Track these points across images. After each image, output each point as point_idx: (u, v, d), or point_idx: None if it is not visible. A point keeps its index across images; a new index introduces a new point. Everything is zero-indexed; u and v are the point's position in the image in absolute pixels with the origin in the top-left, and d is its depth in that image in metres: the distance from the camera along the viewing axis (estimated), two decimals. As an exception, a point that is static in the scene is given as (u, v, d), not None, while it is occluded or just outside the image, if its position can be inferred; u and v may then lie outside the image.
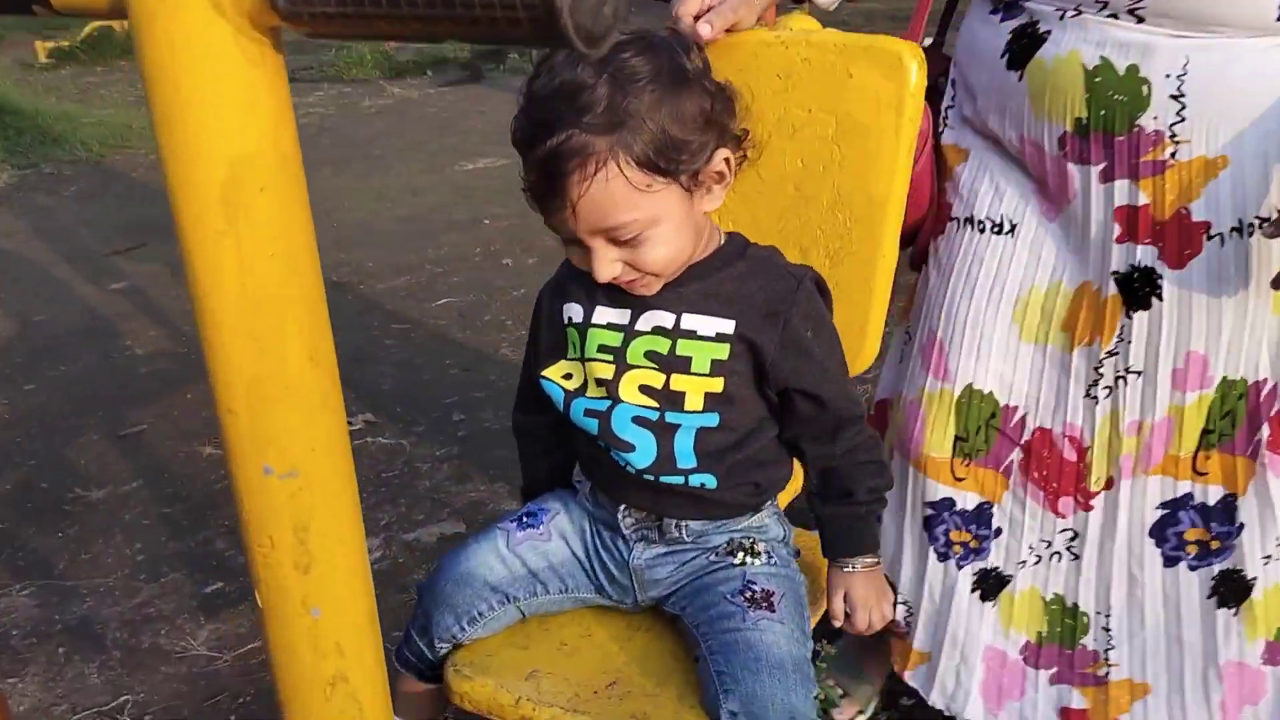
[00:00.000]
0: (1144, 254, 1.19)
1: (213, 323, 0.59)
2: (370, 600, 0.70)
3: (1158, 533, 1.30)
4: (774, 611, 1.09)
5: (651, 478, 1.13)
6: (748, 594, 1.11)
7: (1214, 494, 1.27)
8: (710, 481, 1.14)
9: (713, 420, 1.12)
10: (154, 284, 3.86)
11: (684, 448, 1.13)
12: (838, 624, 1.23)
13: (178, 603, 2.11)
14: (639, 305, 1.12)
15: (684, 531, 1.18)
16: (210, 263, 0.58)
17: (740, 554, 1.17)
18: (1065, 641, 1.39)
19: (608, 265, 1.05)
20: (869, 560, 1.21)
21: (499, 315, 3.44)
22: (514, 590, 1.18)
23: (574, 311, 1.16)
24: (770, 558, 1.17)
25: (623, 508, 1.19)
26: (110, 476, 2.58)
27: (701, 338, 1.10)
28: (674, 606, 1.18)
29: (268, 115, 0.56)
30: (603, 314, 1.14)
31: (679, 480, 1.14)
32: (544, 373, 1.19)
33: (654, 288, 1.10)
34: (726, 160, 1.08)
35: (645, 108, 0.99)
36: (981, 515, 1.37)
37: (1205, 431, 1.25)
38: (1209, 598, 1.30)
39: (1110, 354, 1.24)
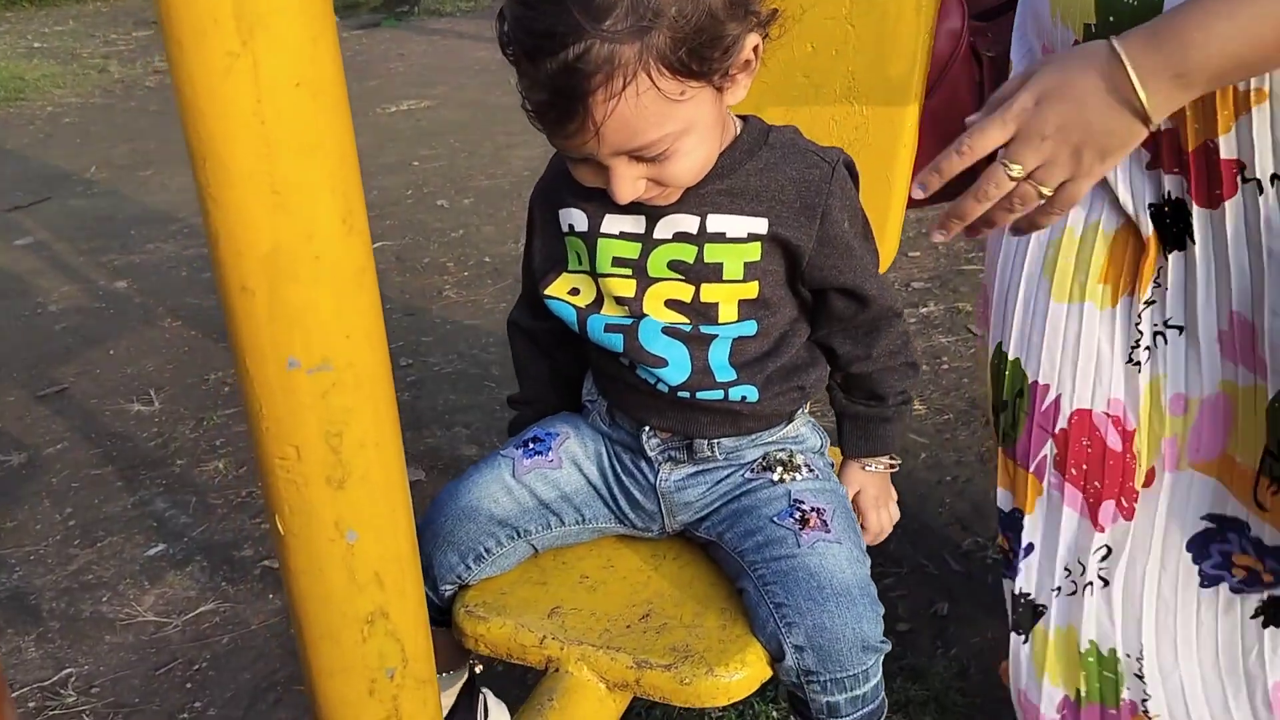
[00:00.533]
0: (1171, 184, 0.99)
1: (221, 175, 0.47)
2: (411, 523, 0.58)
3: (1199, 546, 1.11)
4: (829, 531, 1.00)
5: (687, 394, 1.03)
6: (797, 514, 1.01)
7: (1275, 536, 1.05)
8: (752, 394, 1.04)
9: (750, 329, 1.02)
10: (62, 238, 3.61)
11: (720, 359, 1.02)
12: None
13: (118, 568, 1.96)
14: (656, 210, 1.00)
15: (716, 449, 1.08)
16: (217, 94, 0.45)
17: (779, 469, 1.07)
18: (1108, 699, 1.19)
19: (630, 185, 0.92)
20: (889, 461, 1.14)
21: (438, 257, 3.28)
22: (524, 524, 1.07)
23: (575, 219, 1.04)
24: (811, 470, 1.08)
25: (646, 429, 1.08)
26: (32, 440, 2.38)
27: (732, 240, 0.99)
28: (709, 532, 1.07)
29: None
30: (613, 222, 1.02)
31: (718, 395, 1.03)
32: (546, 291, 1.07)
33: (674, 198, 0.98)
34: (755, 47, 0.95)
35: (671, 5, 0.85)
36: (1013, 523, 1.18)
37: (1269, 454, 1.02)
38: (1253, 617, 1.11)
39: (1148, 303, 1.03)
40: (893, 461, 1.16)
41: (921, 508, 1.99)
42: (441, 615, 1.05)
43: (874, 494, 1.15)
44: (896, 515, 1.18)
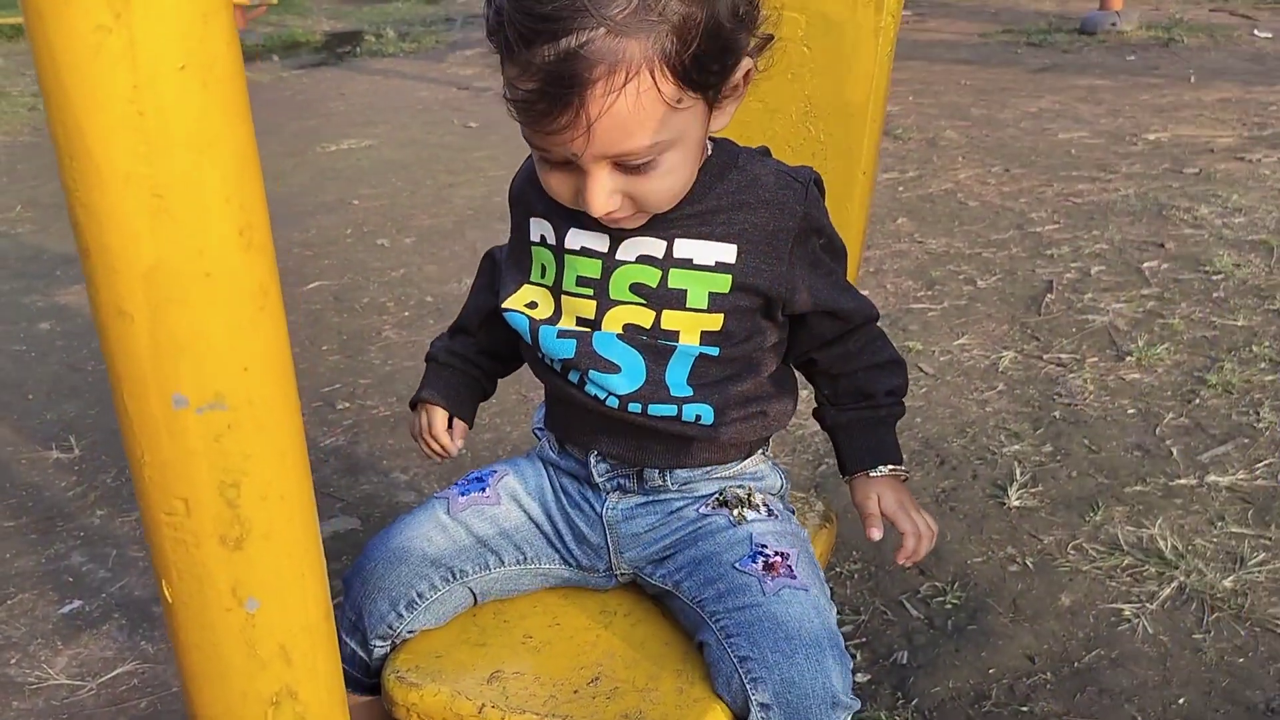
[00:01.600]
0: None
1: (91, 176, 0.39)
2: (324, 587, 0.50)
3: None
4: (795, 578, 0.93)
5: (638, 407, 0.96)
6: (761, 560, 0.93)
7: None
8: (707, 414, 0.97)
9: (713, 351, 0.96)
10: (-19, 277, 3.45)
11: (678, 376, 0.96)
12: (878, 535, 1.06)
13: (29, 627, 1.82)
14: (618, 229, 0.94)
15: (668, 479, 1.01)
16: (85, 77, 0.37)
17: (738, 508, 0.99)
18: None
19: (605, 196, 0.86)
20: (895, 468, 1.07)
21: (378, 297, 3.19)
22: (460, 564, 0.98)
23: (545, 229, 0.98)
24: (771, 512, 1.01)
25: (594, 453, 1.01)
26: (-62, 490, 2.24)
27: (699, 267, 0.93)
28: (665, 581, 0.99)
29: None
30: (576, 237, 0.95)
31: (670, 410, 0.96)
32: (505, 304, 1.00)
33: (640, 222, 0.92)
34: (747, 72, 0.91)
35: (683, 5, 0.80)
36: None
37: None
38: None
39: None
40: (897, 470, 1.07)
41: (878, 552, 1.93)
42: (372, 679, 0.96)
43: (894, 498, 1.06)
44: (932, 522, 1.08)
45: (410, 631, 0.97)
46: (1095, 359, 2.58)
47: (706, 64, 0.84)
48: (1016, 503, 2.03)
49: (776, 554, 0.94)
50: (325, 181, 4.35)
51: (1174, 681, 1.60)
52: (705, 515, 1.00)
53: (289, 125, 5.37)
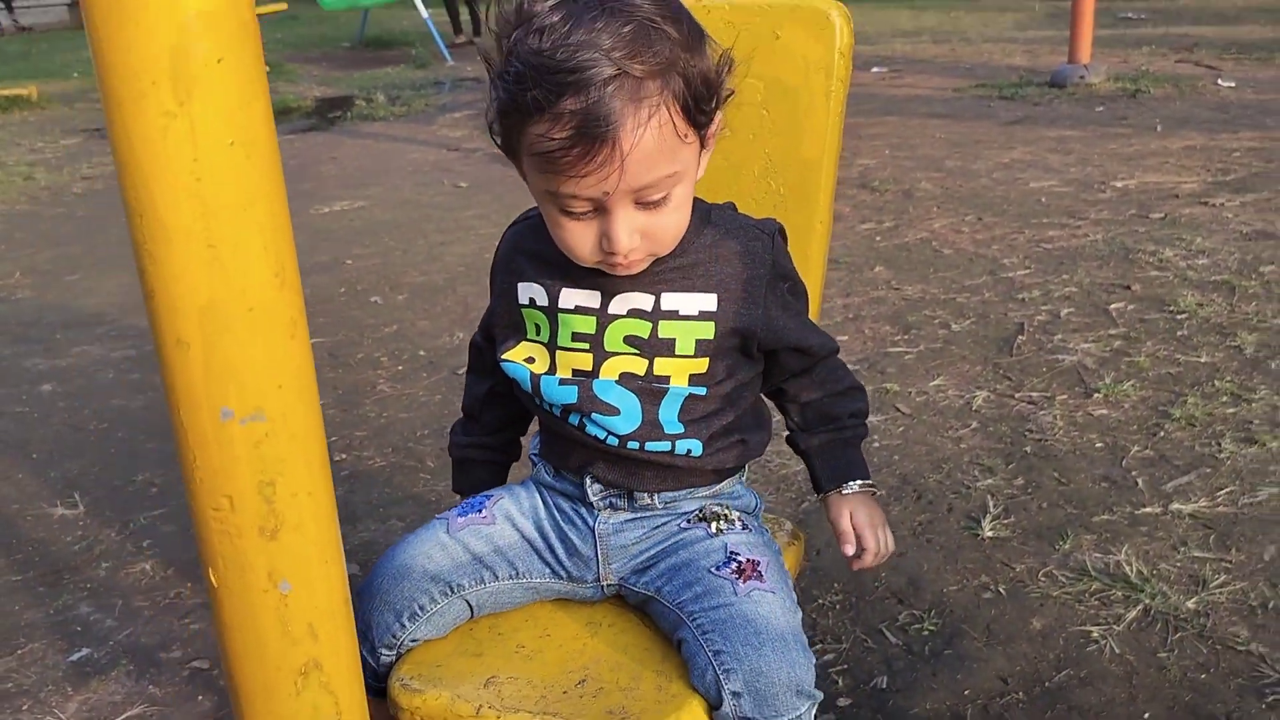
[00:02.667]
0: None
1: (158, 231, 0.49)
2: (344, 573, 0.59)
3: None
4: (764, 581, 1.02)
5: (636, 445, 1.06)
6: (734, 565, 1.03)
7: None
8: (696, 448, 1.08)
9: (700, 390, 1.07)
10: (-16, 342, 3.54)
11: (670, 415, 1.06)
12: (850, 550, 1.16)
13: (39, 674, 1.89)
14: (610, 286, 1.04)
15: (656, 499, 1.11)
16: (155, 153, 0.47)
17: (716, 522, 1.09)
18: None
19: (628, 233, 0.95)
20: (865, 484, 1.17)
21: (372, 352, 3.28)
22: (457, 579, 1.08)
23: (535, 292, 1.08)
24: (746, 526, 1.10)
25: (589, 477, 1.11)
26: (-52, 546, 2.31)
27: (684, 317, 1.04)
28: (648, 587, 1.09)
29: (225, -31, 0.47)
30: (570, 296, 1.06)
31: (665, 447, 1.07)
32: (504, 356, 1.10)
33: (643, 266, 1.02)
34: (719, 123, 1.02)
35: (682, 53, 0.91)
36: None
37: None
38: None
39: None
40: (866, 485, 1.17)
41: (857, 583, 2.01)
42: (380, 684, 1.04)
43: (865, 515, 1.16)
44: (893, 541, 1.19)
45: (413, 640, 1.05)
46: (1065, 396, 2.68)
47: (703, 104, 0.95)
48: (990, 533, 2.11)
49: (748, 560, 1.03)
50: (319, 242, 4.47)
51: (1140, 698, 1.68)
52: (686, 529, 1.10)
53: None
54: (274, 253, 0.51)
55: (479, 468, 1.23)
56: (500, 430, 1.24)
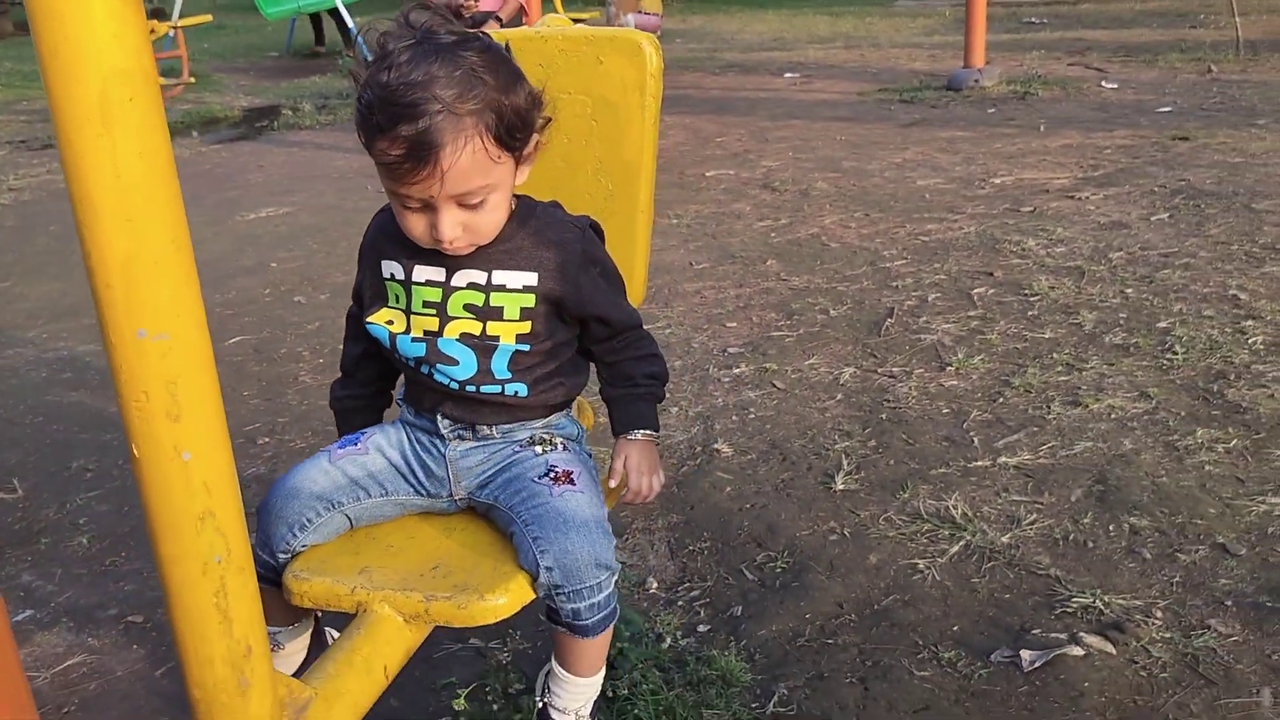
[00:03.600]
0: None
1: (92, 212, 0.74)
2: (229, 448, 0.85)
3: None
4: (574, 485, 1.29)
5: (473, 389, 1.32)
6: (551, 474, 1.30)
7: None
8: (522, 390, 1.35)
9: (525, 347, 1.34)
10: (-81, 347, 3.69)
11: (500, 365, 1.33)
12: (614, 483, 1.42)
13: (-14, 633, 2.09)
14: (453, 264, 1.31)
15: (494, 430, 1.37)
16: (90, 161, 0.73)
17: (541, 446, 1.36)
18: None
19: (451, 226, 1.23)
20: (648, 433, 1.44)
21: (295, 347, 3.50)
22: (337, 497, 1.33)
23: (395, 269, 1.34)
24: (566, 448, 1.38)
25: (440, 415, 1.37)
26: (-106, 529, 2.49)
27: (510, 290, 1.31)
28: (488, 497, 1.35)
29: (134, 39, 0.72)
30: (421, 272, 1.32)
31: (495, 389, 1.34)
32: (368, 319, 1.36)
33: (470, 249, 1.29)
34: (537, 142, 1.30)
35: (496, 95, 1.19)
36: None
37: None
38: None
39: None
40: (649, 434, 1.45)
41: (724, 530, 2.29)
42: (278, 579, 1.30)
43: (637, 460, 1.43)
44: (660, 482, 1.46)
45: (304, 546, 1.30)
46: (921, 370, 2.99)
47: (514, 132, 1.24)
48: (841, 487, 2.41)
49: (563, 471, 1.31)
50: (245, 247, 4.66)
51: (952, 614, 1.98)
52: (518, 452, 1.38)
53: (210, 197, 5.67)
54: (170, 225, 0.76)
55: (356, 415, 1.48)
56: (371, 383, 1.50)
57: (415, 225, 1.25)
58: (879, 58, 9.33)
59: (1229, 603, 1.94)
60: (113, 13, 0.70)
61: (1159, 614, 1.92)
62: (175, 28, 8.55)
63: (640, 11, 10.35)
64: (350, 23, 11.30)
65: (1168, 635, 1.87)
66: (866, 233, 4.31)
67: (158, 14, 8.49)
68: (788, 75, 8.69)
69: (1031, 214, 4.39)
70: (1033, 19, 11.20)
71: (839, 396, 2.88)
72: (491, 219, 1.26)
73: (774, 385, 2.97)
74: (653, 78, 1.43)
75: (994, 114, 6.51)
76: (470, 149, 1.18)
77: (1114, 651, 1.84)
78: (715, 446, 2.65)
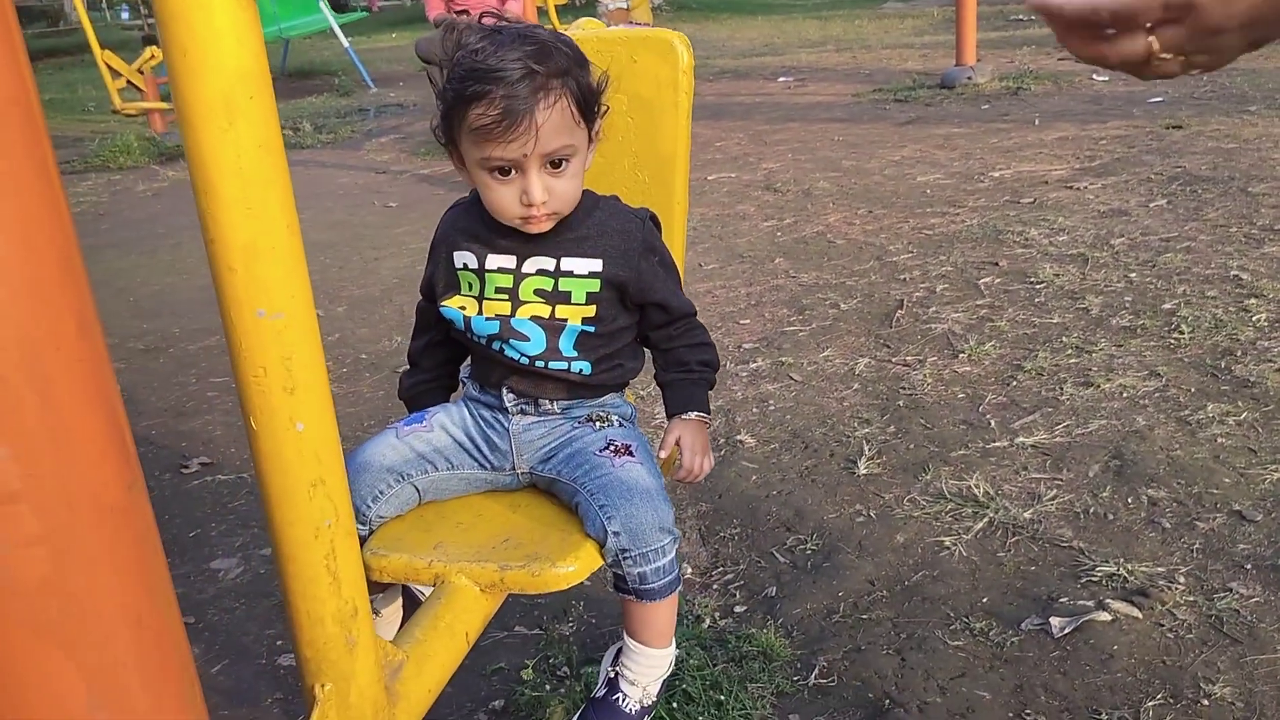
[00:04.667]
0: None
1: (216, 201, 0.81)
2: (334, 420, 0.91)
3: None
4: (634, 456, 1.37)
5: (542, 364, 1.41)
6: (611, 447, 1.38)
7: None
8: (586, 368, 1.44)
9: (590, 329, 1.43)
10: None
11: (567, 344, 1.42)
12: (664, 454, 1.48)
13: None
14: (523, 251, 1.40)
15: (555, 405, 1.45)
16: (215, 152, 0.80)
17: (599, 422, 1.44)
18: None
19: (540, 190, 1.32)
20: (701, 414, 1.51)
21: (318, 359, 3.56)
22: (406, 470, 1.40)
23: (468, 259, 1.43)
24: (621, 424, 1.46)
25: (506, 389, 1.45)
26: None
27: (578, 276, 1.40)
28: (551, 471, 1.42)
29: (253, 43, 0.79)
30: (494, 260, 1.41)
31: (562, 366, 1.42)
32: (443, 303, 1.44)
33: (547, 225, 1.37)
34: (598, 130, 1.39)
35: (573, 65, 1.31)
36: None
37: None
38: None
39: None
40: (702, 416, 1.52)
41: (752, 517, 2.36)
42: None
43: (690, 440, 1.50)
44: (711, 463, 1.52)
45: (380, 517, 1.38)
46: (935, 358, 3.06)
47: (589, 102, 1.34)
48: (864, 471, 2.48)
49: (622, 444, 1.39)
50: (259, 264, 4.72)
51: (980, 587, 2.05)
52: (577, 428, 1.46)
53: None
54: (285, 211, 0.83)
55: (424, 399, 1.55)
56: (435, 369, 1.57)
57: (504, 196, 1.33)
58: (871, 59, 9.43)
59: (1249, 566, 2.01)
60: (235, 20, 0.77)
61: (1181, 579, 1.99)
62: (174, 52, 8.61)
63: (630, 22, 10.46)
64: (345, 42, 11.40)
65: (1191, 599, 1.93)
66: (871, 228, 4.39)
67: (151, 40, 8.57)
68: (782, 79, 8.78)
69: (1032, 205, 4.47)
70: (1020, 16, 11.32)
71: (855, 386, 2.94)
72: (571, 186, 1.35)
73: (791, 378, 3.04)
74: (685, 74, 1.50)
75: (988, 110, 6.60)
76: (559, 107, 1.28)
77: (1140, 616, 1.90)
78: (739, 438, 2.72)
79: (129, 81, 8.11)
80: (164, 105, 8.27)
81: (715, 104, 7.87)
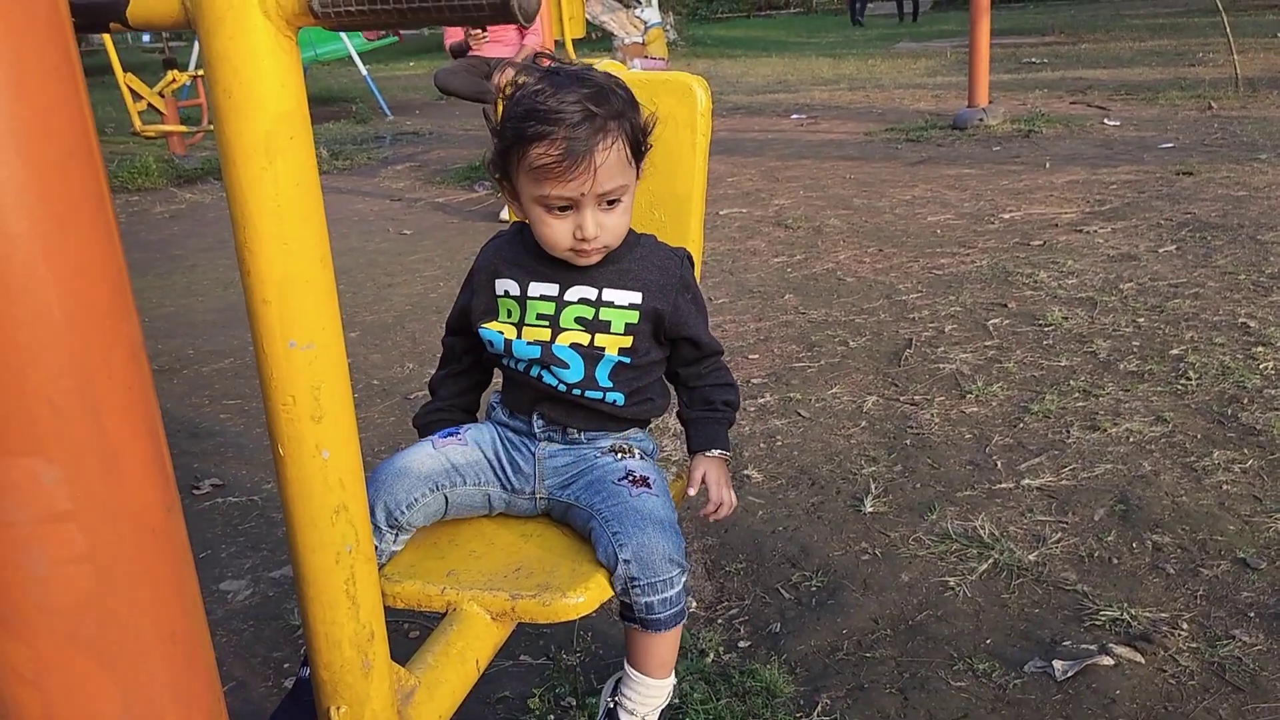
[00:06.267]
0: None
1: (254, 235, 0.84)
2: (358, 448, 0.94)
3: None
4: (651, 488, 1.40)
5: (579, 393, 1.46)
6: (630, 478, 1.41)
7: None
8: (620, 399, 1.48)
9: (626, 360, 1.47)
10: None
11: (604, 373, 1.47)
12: (693, 491, 1.52)
13: None
14: (565, 281, 1.45)
15: (582, 435, 1.50)
16: (255, 190, 0.83)
17: (621, 454, 1.49)
18: None
19: (595, 226, 1.37)
20: (723, 452, 1.55)
21: (330, 384, 3.59)
22: (441, 480, 1.44)
23: (510, 286, 1.48)
24: (643, 458, 1.51)
25: (536, 416, 1.49)
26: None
27: (618, 306, 1.45)
28: (569, 496, 1.46)
29: (294, 86, 0.82)
30: (536, 288, 1.46)
31: (598, 395, 1.47)
32: (483, 325, 1.49)
33: (597, 259, 1.42)
34: (640, 168, 1.44)
35: (626, 109, 1.37)
36: None
37: None
38: None
39: None
40: (724, 454, 1.56)
41: (758, 552, 2.37)
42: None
43: (715, 476, 1.54)
44: (734, 499, 1.57)
45: (410, 523, 1.41)
46: (942, 398, 3.08)
47: (638, 145, 1.40)
48: (870, 509, 2.50)
49: (640, 476, 1.42)
50: (273, 288, 4.77)
51: (984, 628, 2.06)
52: (600, 457, 1.49)
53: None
54: (319, 246, 0.86)
55: (435, 427, 1.58)
56: (452, 398, 1.61)
57: (558, 231, 1.38)
58: (883, 98, 9.51)
59: (1252, 614, 2.02)
60: (278, 64, 0.81)
61: (1185, 625, 2.00)
62: (195, 76, 8.74)
63: (647, 57, 10.56)
64: (363, 69, 11.54)
65: (1194, 645, 1.94)
66: (881, 267, 4.42)
67: (171, 63, 8.68)
68: (794, 116, 8.86)
69: (1042, 247, 4.50)
70: (1033, 59, 11.42)
71: (863, 424, 2.97)
72: (622, 222, 1.41)
73: (799, 414, 3.07)
74: (703, 116, 1.54)
75: (999, 151, 6.65)
76: (615, 148, 1.34)
77: (1143, 661, 1.91)
78: (745, 472, 2.74)
79: (149, 104, 8.21)
80: (184, 129, 8.38)
81: (728, 139, 7.95)
